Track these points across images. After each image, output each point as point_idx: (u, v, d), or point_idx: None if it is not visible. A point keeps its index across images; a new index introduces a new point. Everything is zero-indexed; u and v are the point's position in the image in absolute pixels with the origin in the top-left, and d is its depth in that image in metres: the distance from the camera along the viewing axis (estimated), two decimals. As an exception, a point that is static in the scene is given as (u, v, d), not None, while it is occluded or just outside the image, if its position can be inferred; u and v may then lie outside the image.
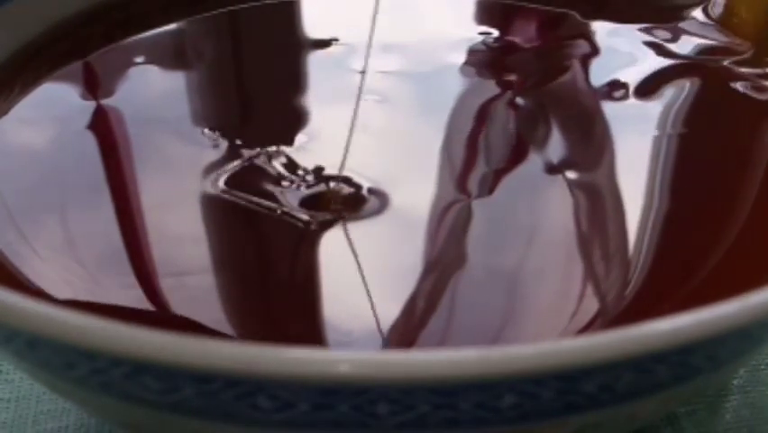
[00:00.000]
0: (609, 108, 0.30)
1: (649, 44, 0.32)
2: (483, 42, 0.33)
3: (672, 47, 0.32)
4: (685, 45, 0.32)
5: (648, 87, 0.31)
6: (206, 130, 0.29)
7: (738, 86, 0.31)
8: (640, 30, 0.33)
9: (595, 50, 0.33)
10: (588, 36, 0.33)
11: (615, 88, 0.31)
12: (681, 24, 0.33)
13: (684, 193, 0.28)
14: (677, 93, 0.31)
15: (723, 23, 0.33)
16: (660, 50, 0.32)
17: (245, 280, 0.26)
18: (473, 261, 0.26)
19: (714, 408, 0.27)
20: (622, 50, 0.33)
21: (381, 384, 0.19)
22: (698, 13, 0.33)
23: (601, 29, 0.33)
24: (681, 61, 0.32)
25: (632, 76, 0.31)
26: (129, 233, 0.27)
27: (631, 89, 0.31)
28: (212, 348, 0.19)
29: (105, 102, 0.31)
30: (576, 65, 0.32)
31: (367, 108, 0.31)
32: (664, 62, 0.32)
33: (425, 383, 0.18)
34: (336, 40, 0.33)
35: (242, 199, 0.27)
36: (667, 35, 0.33)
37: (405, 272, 0.25)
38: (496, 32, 0.33)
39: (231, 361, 0.18)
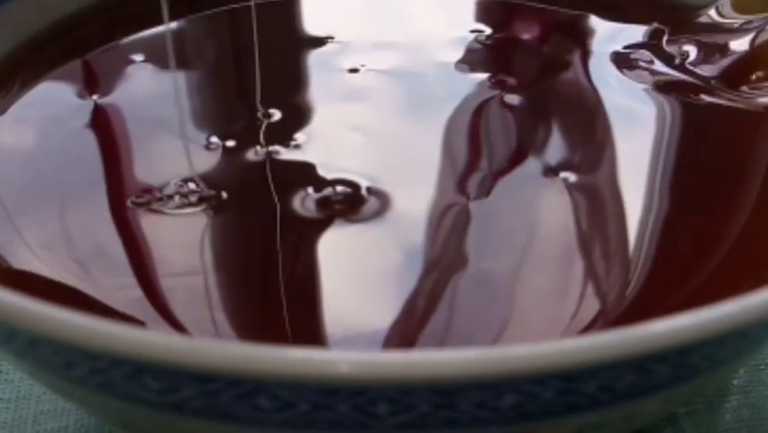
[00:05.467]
0: (609, 108, 0.30)
1: (653, 45, 0.32)
2: (479, 41, 0.33)
3: (676, 47, 0.32)
4: (691, 45, 0.32)
5: (649, 87, 0.31)
6: (207, 132, 0.29)
7: (743, 86, 0.31)
8: (645, 29, 0.33)
9: (596, 50, 0.33)
10: (589, 36, 0.33)
11: (615, 88, 0.31)
12: (691, 24, 0.33)
13: (684, 193, 0.28)
14: (679, 92, 0.31)
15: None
16: (663, 50, 0.32)
17: (245, 281, 0.26)
18: (472, 261, 0.26)
19: (714, 408, 0.27)
20: (624, 51, 0.32)
21: (381, 384, 0.19)
22: (711, 13, 0.33)
23: (607, 28, 0.33)
24: (684, 61, 0.32)
25: (633, 76, 0.31)
26: (127, 232, 0.27)
27: (631, 89, 0.31)
28: (212, 348, 0.19)
29: (103, 101, 0.31)
30: (575, 64, 0.32)
31: (365, 108, 0.30)
32: (667, 62, 0.32)
33: (425, 383, 0.18)
34: (332, 38, 0.33)
35: (240, 199, 0.27)
36: (673, 35, 0.33)
37: (404, 273, 0.25)
38: (492, 31, 0.33)
39: (231, 361, 0.18)
